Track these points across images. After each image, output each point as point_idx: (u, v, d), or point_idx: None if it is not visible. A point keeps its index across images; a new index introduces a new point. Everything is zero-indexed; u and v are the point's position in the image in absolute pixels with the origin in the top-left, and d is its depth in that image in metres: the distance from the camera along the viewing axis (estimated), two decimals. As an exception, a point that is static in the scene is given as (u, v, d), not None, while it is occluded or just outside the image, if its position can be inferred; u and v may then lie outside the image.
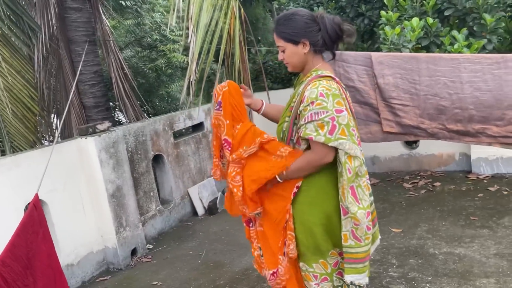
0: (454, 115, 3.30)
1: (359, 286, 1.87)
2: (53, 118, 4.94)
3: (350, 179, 1.71)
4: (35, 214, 1.93)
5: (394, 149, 5.30)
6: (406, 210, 4.24)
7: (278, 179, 1.83)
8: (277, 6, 10.45)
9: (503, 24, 4.27)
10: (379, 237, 1.99)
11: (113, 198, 3.86)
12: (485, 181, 4.70)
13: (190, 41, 2.94)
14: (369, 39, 6.26)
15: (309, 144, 1.78)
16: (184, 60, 5.45)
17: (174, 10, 2.90)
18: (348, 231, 1.75)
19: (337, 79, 1.87)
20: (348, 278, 1.78)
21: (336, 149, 1.72)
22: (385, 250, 3.48)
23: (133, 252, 4.05)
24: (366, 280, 1.81)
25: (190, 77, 3.06)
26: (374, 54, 3.50)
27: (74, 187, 3.72)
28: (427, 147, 5.14)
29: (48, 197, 3.45)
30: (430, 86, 3.36)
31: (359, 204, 1.73)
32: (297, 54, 1.87)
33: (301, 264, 1.89)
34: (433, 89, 3.35)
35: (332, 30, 1.84)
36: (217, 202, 5.05)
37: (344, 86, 1.94)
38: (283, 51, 1.89)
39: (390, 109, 3.50)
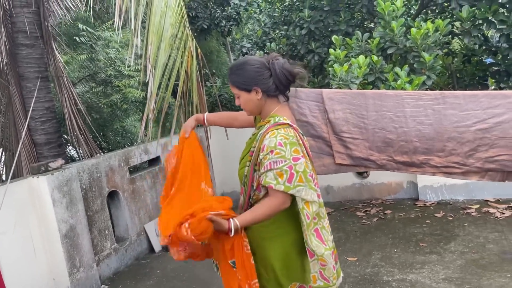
0: (400, 147, 3.53)
1: None
2: (1, 156, 4.74)
3: (309, 224, 1.78)
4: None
5: (346, 179, 5.51)
6: (360, 238, 4.39)
7: (231, 235, 1.80)
8: (230, 40, 10.75)
9: (440, 62, 4.64)
10: (341, 274, 2.07)
11: (66, 238, 3.73)
12: (431, 207, 4.97)
13: (148, 80, 3.00)
14: (319, 74, 6.56)
15: (267, 191, 1.84)
16: (140, 95, 5.45)
17: (132, 49, 2.96)
18: (316, 272, 1.82)
19: (294, 125, 1.96)
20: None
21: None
22: (342, 279, 3.58)
23: (88, 294, 3.90)
24: None
25: (148, 114, 3.09)
26: (324, 91, 3.70)
27: (25, 228, 3.57)
28: (377, 177, 5.40)
29: (-5, 241, 3.29)
30: (377, 121, 3.58)
31: (325, 245, 1.81)
32: (251, 100, 1.96)
33: None
34: (380, 123, 3.58)
35: (282, 75, 1.93)
36: (175, 237, 4.98)
37: (301, 132, 2.04)
38: (239, 98, 1.98)
39: (341, 142, 3.68)
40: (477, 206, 4.79)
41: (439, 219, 4.60)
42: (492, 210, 4.60)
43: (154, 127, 4.35)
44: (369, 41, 4.85)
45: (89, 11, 3.71)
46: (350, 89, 4.48)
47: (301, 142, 1.90)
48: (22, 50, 4.43)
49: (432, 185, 5.14)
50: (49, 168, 3.79)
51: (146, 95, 6.28)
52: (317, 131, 3.75)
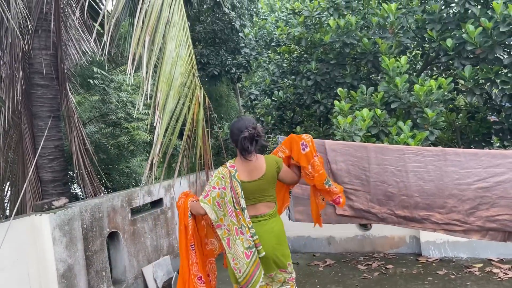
0: (401, 201, 3.54)
1: None
2: (6, 191, 4.81)
3: (224, 233, 2.82)
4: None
5: (349, 230, 5.46)
6: (361, 293, 4.30)
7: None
8: (240, 86, 11.02)
9: (443, 118, 4.70)
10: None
11: (63, 278, 3.71)
12: (434, 264, 4.88)
13: (156, 125, 3.09)
14: (325, 124, 6.67)
15: None
16: (147, 138, 5.57)
17: (143, 95, 3.07)
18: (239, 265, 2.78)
19: (229, 165, 2.88)
20: None
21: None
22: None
23: (79, 337, 3.82)
24: None
25: (153, 158, 3.16)
26: (327, 142, 3.77)
27: (23, 266, 3.56)
28: (380, 229, 5.34)
29: (-8, 278, 3.29)
30: (379, 174, 3.61)
31: (229, 248, 2.79)
32: None
33: None
34: (382, 176, 3.61)
35: (240, 145, 2.81)
36: (172, 282, 4.92)
37: (234, 173, 2.86)
38: None
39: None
40: (480, 265, 4.70)
41: (441, 277, 4.50)
42: (495, 270, 4.51)
43: (159, 167, 4.40)
44: (373, 94, 4.97)
45: (104, 55, 3.88)
46: (354, 141, 4.55)
47: (227, 179, 2.82)
48: (37, 90, 4.60)
49: (435, 241, 5.07)
50: (52, 206, 3.82)
51: (153, 137, 6.41)
52: (319, 181, 3.78)
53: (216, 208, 2.75)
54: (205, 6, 9.11)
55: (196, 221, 2.95)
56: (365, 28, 5.68)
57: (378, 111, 4.70)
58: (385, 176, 3.59)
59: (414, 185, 3.49)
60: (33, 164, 3.92)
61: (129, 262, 4.73)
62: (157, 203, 5.37)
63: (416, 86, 4.54)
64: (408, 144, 4.30)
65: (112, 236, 4.64)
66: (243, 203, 2.78)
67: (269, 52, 7.87)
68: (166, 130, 3.26)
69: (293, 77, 7.00)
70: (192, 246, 2.87)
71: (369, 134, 4.76)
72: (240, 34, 9.00)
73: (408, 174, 3.52)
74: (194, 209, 2.85)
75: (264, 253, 2.80)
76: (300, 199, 3.81)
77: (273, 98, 7.29)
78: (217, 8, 8.97)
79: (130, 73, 3.14)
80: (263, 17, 9.35)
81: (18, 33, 3.99)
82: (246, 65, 9.02)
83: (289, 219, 3.81)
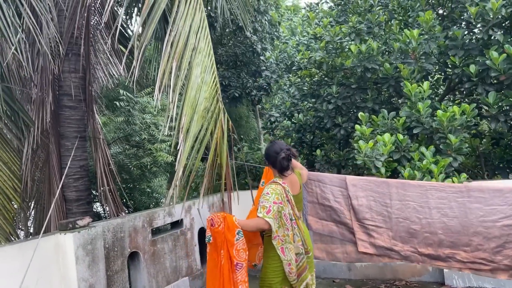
0: (425, 238, 3.46)
1: None
2: (32, 209, 4.92)
3: (278, 243, 3.03)
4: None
5: (369, 256, 5.36)
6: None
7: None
8: (260, 107, 11.11)
9: (467, 144, 4.65)
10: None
11: (84, 298, 3.75)
12: (458, 293, 4.75)
13: (179, 148, 3.15)
14: (345, 147, 6.65)
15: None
16: (169, 159, 5.66)
17: (167, 119, 3.15)
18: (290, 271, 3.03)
19: (280, 182, 3.17)
20: None
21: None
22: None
23: None
24: None
25: (176, 182, 3.21)
26: (348, 177, 3.76)
27: (46, 284, 3.62)
28: (402, 256, 5.24)
29: (17, 295, 3.34)
30: (401, 210, 3.56)
31: (285, 256, 3.03)
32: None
33: None
34: (404, 212, 3.55)
35: (279, 164, 3.25)
36: (191, 304, 4.90)
37: (287, 189, 3.18)
38: None
39: (364, 230, 3.66)
40: (507, 296, 4.55)
41: (466, 307, 4.37)
42: (523, 302, 4.36)
43: (183, 189, 4.46)
44: (395, 119, 4.96)
45: (132, 77, 4.00)
46: (375, 165, 4.52)
47: (284, 194, 3.12)
48: (65, 111, 4.75)
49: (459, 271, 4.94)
50: (76, 225, 3.89)
51: (175, 159, 6.51)
52: (340, 217, 3.77)
53: (277, 221, 3.04)
54: (227, 30, 9.32)
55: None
56: (387, 53, 5.71)
57: (400, 136, 4.69)
58: (408, 212, 3.53)
59: (438, 222, 3.42)
60: (61, 183, 4.03)
61: (149, 283, 4.75)
62: (177, 224, 5.40)
63: (439, 112, 4.52)
64: (431, 171, 4.26)
65: (133, 256, 4.67)
66: (297, 213, 3.20)
67: (290, 75, 7.95)
68: (189, 153, 3.32)
69: (313, 100, 7.04)
70: (240, 266, 2.93)
71: (391, 159, 4.74)
72: (261, 57, 9.14)
73: (431, 210, 3.46)
74: (252, 227, 3.06)
75: (310, 253, 3.28)
76: (320, 236, 3.80)
77: (293, 121, 7.33)
78: (239, 32, 9.16)
79: (157, 98, 3.23)
80: (284, 41, 9.49)
81: (49, 56, 4.16)
82: (267, 87, 9.12)
83: None
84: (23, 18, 3.96)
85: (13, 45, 3.77)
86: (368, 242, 3.52)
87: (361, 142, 4.61)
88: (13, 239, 4.25)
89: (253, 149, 8.52)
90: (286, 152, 3.25)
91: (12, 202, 4.36)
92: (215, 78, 3.63)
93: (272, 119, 8.33)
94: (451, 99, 6.16)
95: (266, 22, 9.52)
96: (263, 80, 9.03)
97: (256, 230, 3.13)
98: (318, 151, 6.36)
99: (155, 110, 5.84)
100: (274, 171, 3.31)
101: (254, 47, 9.07)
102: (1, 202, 4.25)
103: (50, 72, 4.62)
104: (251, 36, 8.96)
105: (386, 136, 4.64)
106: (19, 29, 3.80)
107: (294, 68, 7.15)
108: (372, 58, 5.39)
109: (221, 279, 2.93)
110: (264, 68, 9.16)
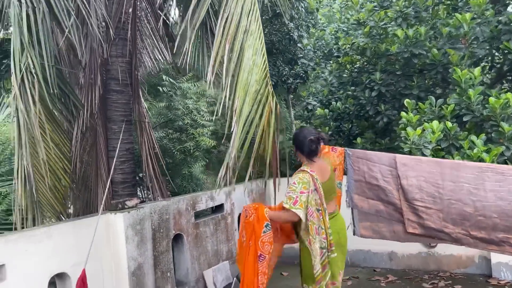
0: (478, 222, 3.34)
1: None
2: (80, 191, 5.06)
3: (305, 234, 2.98)
4: (82, 289, 1.97)
5: (412, 247, 5.26)
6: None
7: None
8: (291, 97, 11.02)
9: (520, 133, 4.45)
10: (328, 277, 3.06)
11: (133, 276, 3.84)
12: (506, 287, 4.61)
13: (232, 130, 3.15)
14: (386, 136, 6.53)
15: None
16: (211, 144, 5.71)
17: (221, 102, 3.16)
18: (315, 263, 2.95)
19: (309, 170, 3.07)
20: None
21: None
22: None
23: (145, 335, 3.92)
24: None
25: (227, 163, 3.21)
26: (398, 156, 3.66)
27: (97, 261, 3.72)
28: (446, 247, 5.12)
29: (72, 271, 3.45)
30: (454, 192, 3.44)
31: (310, 246, 2.95)
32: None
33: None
34: (457, 194, 3.44)
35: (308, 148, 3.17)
36: (231, 287, 4.96)
37: (316, 177, 3.08)
38: None
39: (413, 210, 3.57)
40: (560, 290, 4.39)
41: (516, 301, 4.24)
42: None
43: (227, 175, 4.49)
44: (443, 107, 4.81)
45: (174, 63, 4.02)
46: (423, 154, 4.41)
47: (311, 182, 3.01)
48: (112, 95, 4.83)
49: (508, 263, 4.79)
50: (125, 206, 3.99)
51: (216, 144, 6.56)
52: (388, 197, 3.68)
53: (304, 211, 2.97)
54: (263, 17, 9.25)
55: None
56: (434, 39, 5.53)
57: (449, 124, 4.54)
58: (461, 194, 3.41)
59: (493, 205, 3.29)
60: (113, 165, 4.12)
61: (191, 265, 4.82)
62: (219, 208, 5.45)
63: (492, 99, 4.35)
64: (482, 159, 4.12)
65: (176, 238, 4.75)
66: (325, 204, 3.05)
67: (329, 62, 7.84)
68: (240, 136, 3.32)
69: (353, 87, 6.93)
70: (263, 257, 2.95)
71: (439, 147, 4.61)
72: (298, 45, 9.04)
73: (486, 193, 3.33)
74: (282, 219, 3.06)
75: (336, 254, 3.09)
76: (366, 214, 3.72)
77: (330, 109, 7.24)
78: (276, 19, 9.07)
79: (210, 81, 3.23)
80: (322, 28, 9.34)
81: (100, 39, 4.23)
82: (303, 75, 9.02)
83: (354, 234, 3.73)
84: (74, 0, 4.03)
85: (66, 28, 3.86)
86: (417, 222, 3.45)
87: (409, 129, 4.50)
88: (63, 218, 4.38)
89: (286, 138, 8.48)
90: (316, 135, 3.19)
91: (62, 182, 4.48)
92: (265, 61, 3.61)
93: (310, 107, 8.25)
94: (500, 87, 5.93)
95: (303, 9, 9.39)
96: (299, 68, 8.93)
97: (286, 222, 3.12)
98: (358, 140, 6.27)
99: (199, 95, 5.89)
100: (302, 158, 3.23)
101: (291, 34, 8.96)
102: (52, 182, 4.36)
103: (98, 56, 4.70)
104: (288, 23, 8.86)
105: (435, 123, 4.51)
106: (72, 12, 3.87)
107: (334, 54, 7.04)
108: (419, 44, 5.24)
109: (247, 266, 2.98)
110: (301, 55, 9.06)
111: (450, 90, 5.42)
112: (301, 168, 3.16)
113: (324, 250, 3.01)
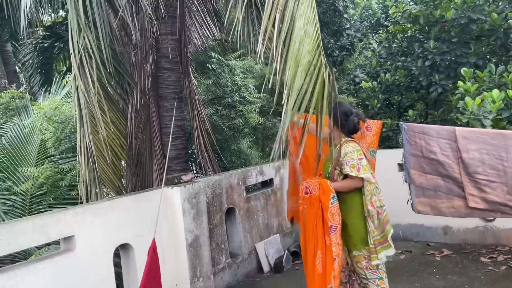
0: None
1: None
2: (136, 167, 5.24)
3: (367, 196, 3.04)
4: (154, 258, 2.07)
5: (468, 220, 5.10)
6: (487, 286, 4.03)
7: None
8: (335, 70, 10.77)
9: None
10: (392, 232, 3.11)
11: (190, 247, 3.99)
12: None
13: (284, 102, 3.12)
14: (440, 107, 6.29)
15: (344, 176, 3.11)
16: (259, 120, 5.73)
17: (271, 74, 3.13)
18: (374, 226, 3.01)
19: (355, 141, 3.18)
20: (380, 255, 3.00)
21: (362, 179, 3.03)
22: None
23: (203, 303, 4.09)
24: (392, 252, 3.05)
25: (281, 136, 3.21)
26: (458, 129, 3.53)
27: (157, 234, 3.86)
28: (506, 221, 4.92)
29: (134, 242, 3.63)
30: None
31: (374, 208, 3.03)
32: (328, 125, 3.10)
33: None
34: None
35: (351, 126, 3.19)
36: (283, 260, 5.04)
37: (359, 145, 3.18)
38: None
39: (475, 184, 3.45)
40: None
41: None
42: None
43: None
44: (504, 74, 4.56)
45: (230, 40, 4.01)
46: (483, 124, 4.23)
47: (361, 149, 3.13)
48: (163, 73, 4.90)
49: None
50: (181, 180, 4.11)
51: (264, 120, 6.57)
52: (447, 171, 3.57)
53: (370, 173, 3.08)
54: (307, -11, 9.02)
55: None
56: (493, 2, 5.20)
57: (510, 93, 4.31)
58: (527, 166, 3.27)
59: None
60: (169, 142, 4.24)
61: (244, 238, 4.94)
62: (268, 183, 5.51)
63: (559, 64, 4.07)
64: (549, 128, 3.90)
65: (229, 212, 4.86)
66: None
67: (377, 32, 7.58)
68: (292, 108, 3.29)
69: (403, 58, 6.68)
70: (335, 228, 2.95)
71: (500, 117, 4.39)
72: (344, 16, 8.77)
73: (553, 163, 3.17)
74: (348, 188, 3.07)
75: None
76: (424, 190, 3.63)
77: (379, 81, 7.04)
78: (320, -10, 8.84)
79: (260, 52, 3.20)
80: (368, -2, 9.01)
81: (151, 18, 4.28)
82: (349, 47, 8.78)
83: (413, 210, 3.66)
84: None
85: (120, 7, 3.93)
86: (479, 197, 3.34)
87: (467, 99, 4.31)
88: (122, 193, 4.58)
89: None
90: (358, 114, 3.26)
91: (120, 159, 4.67)
92: (317, 30, 3.50)
93: (357, 79, 8.05)
94: None
95: (348, -22, 9.07)
96: (345, 40, 8.70)
97: (350, 190, 3.10)
98: (410, 112, 6.08)
99: (246, 71, 5.88)
100: (335, 132, 3.16)
101: (336, 5, 8.70)
102: (111, 158, 4.55)
103: (149, 34, 4.78)
104: (333, -7, 8.60)
105: (495, 92, 4.29)
106: (124, -8, 3.93)
107: (384, 24, 6.79)
108: (477, 8, 4.95)
109: (315, 241, 2.96)
110: (347, 27, 8.81)
111: (510, 57, 5.12)
112: (346, 139, 3.18)
113: (384, 207, 3.08)
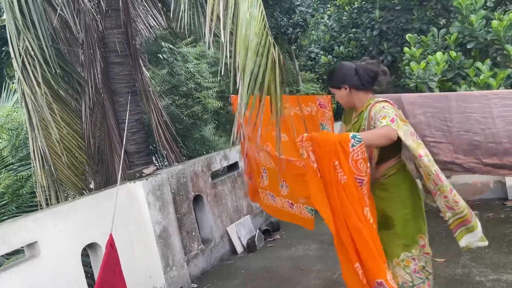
0: (489, 149, 3.37)
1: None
2: (97, 166, 5.19)
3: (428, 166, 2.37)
4: (112, 253, 2.10)
5: (427, 180, 5.33)
6: (447, 239, 4.26)
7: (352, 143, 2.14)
8: (294, 47, 10.84)
9: (526, 53, 4.38)
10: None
11: (160, 238, 4.02)
12: (523, 207, 4.70)
13: (238, 87, 3.16)
14: (392, 74, 6.45)
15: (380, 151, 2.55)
16: (218, 105, 5.74)
17: (222, 60, 3.16)
18: (443, 207, 2.42)
19: (391, 101, 2.59)
20: (461, 242, 2.35)
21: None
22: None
23: (180, 291, 4.16)
24: (480, 244, 2.34)
25: (239, 120, 3.25)
26: (403, 96, 3.65)
27: (124, 229, 3.90)
28: (461, 177, 5.16)
29: (101, 240, 3.63)
30: (462, 123, 3.45)
31: (443, 182, 2.34)
32: (342, 96, 2.66)
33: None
34: (465, 125, 3.44)
35: (365, 74, 2.56)
36: (255, 239, 5.15)
37: (397, 107, 2.65)
38: (334, 95, 2.71)
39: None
40: None
41: (533, 219, 4.34)
42: None
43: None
44: (446, 37, 4.73)
45: (179, 28, 3.99)
46: (429, 87, 4.39)
47: (399, 111, 2.52)
48: (113, 68, 4.84)
49: (523, 184, 4.86)
50: (143, 174, 4.11)
51: (223, 105, 6.59)
52: (398, 137, 3.70)
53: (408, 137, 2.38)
54: (255, -32, 8.97)
55: None
56: (431, -33, 5.35)
57: (453, 54, 4.48)
58: (469, 124, 3.42)
59: (502, 131, 3.30)
60: (125, 137, 4.21)
61: (214, 223, 5.01)
62: (233, 166, 5.57)
63: (494, 22, 4.25)
64: (489, 85, 4.09)
65: (197, 199, 4.91)
66: None
67: (328, 6, 7.65)
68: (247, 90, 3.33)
69: (354, 29, 6.80)
70: (360, 181, 2.17)
71: (445, 78, 4.57)
72: (294, -8, 8.80)
73: (494, 120, 3.32)
74: (377, 138, 2.25)
75: None
76: None
77: (333, 55, 7.15)
78: (267, -32, 8.81)
79: (208, 41, 3.22)
80: (316, -28, 9.05)
81: (93, 13, 4.20)
82: (303, 23, 8.84)
83: None
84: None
85: (57, 5, 3.84)
86: (429, 158, 3.48)
87: (412, 63, 4.45)
88: (86, 193, 4.54)
89: (294, 91, 8.41)
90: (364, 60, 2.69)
91: (78, 159, 4.60)
92: (262, 12, 3.53)
93: (312, 55, 8.15)
94: (504, 9, 5.76)
95: (294, -45, 9.08)
96: (298, 17, 8.74)
97: (382, 141, 2.27)
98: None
99: (194, 57, 5.85)
100: (354, 97, 2.60)
101: (285, -18, 8.72)
102: (69, 159, 4.48)
103: (94, 30, 4.68)
104: (280, -29, 8.60)
105: (438, 55, 4.44)
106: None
107: (331, -2, 6.86)
108: (416, -26, 5.07)
109: (337, 200, 2.16)
110: (298, 3, 8.85)
111: (452, 19, 5.30)
112: (374, 100, 2.55)
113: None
